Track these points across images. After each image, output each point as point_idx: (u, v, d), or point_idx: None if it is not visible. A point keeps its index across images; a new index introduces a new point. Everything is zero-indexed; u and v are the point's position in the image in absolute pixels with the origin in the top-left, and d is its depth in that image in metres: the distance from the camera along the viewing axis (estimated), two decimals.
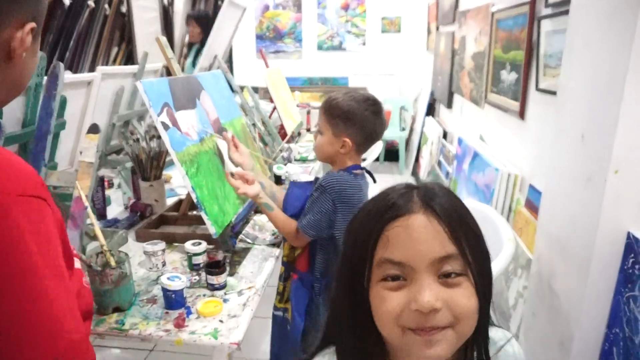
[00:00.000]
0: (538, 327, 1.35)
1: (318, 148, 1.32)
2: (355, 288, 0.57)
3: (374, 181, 1.36)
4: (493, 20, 2.26)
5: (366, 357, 0.60)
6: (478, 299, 0.55)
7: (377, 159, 2.79)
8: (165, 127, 1.17)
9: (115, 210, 1.71)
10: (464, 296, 0.53)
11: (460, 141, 2.76)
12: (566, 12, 1.32)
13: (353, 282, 0.57)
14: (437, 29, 3.98)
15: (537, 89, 1.73)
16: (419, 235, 0.54)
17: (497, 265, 1.34)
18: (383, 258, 0.55)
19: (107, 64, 4.17)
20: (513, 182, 1.91)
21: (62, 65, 1.21)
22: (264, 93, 3.54)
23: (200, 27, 3.64)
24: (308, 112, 3.23)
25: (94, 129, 1.14)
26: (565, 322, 1.17)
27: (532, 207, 1.71)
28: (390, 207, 0.56)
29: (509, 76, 2.04)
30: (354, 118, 1.25)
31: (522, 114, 1.88)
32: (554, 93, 1.54)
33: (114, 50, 4.36)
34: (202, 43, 3.43)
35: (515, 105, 1.94)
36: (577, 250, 1.13)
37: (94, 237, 1.30)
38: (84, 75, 1.72)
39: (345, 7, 5.10)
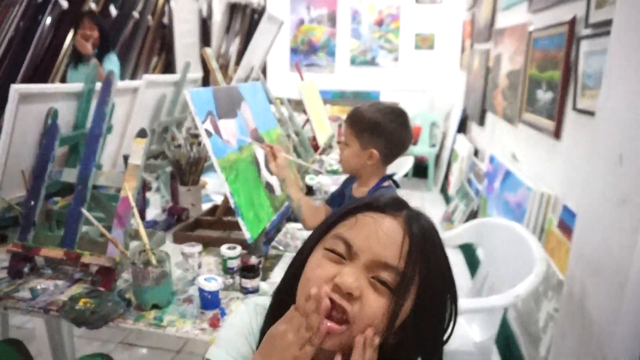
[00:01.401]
0: (568, 349, 1.32)
1: (345, 160, 1.33)
2: (309, 248, 0.62)
3: (397, 186, 1.36)
4: (530, 40, 2.26)
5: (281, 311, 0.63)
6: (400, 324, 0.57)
7: (405, 175, 2.79)
8: (209, 134, 1.22)
9: (153, 212, 1.77)
10: (378, 302, 0.55)
11: (492, 159, 2.74)
12: (607, 33, 1.32)
13: (313, 240, 0.62)
14: (472, 46, 3.98)
15: (574, 109, 1.72)
16: (382, 235, 0.57)
17: (528, 285, 1.33)
18: (340, 233, 0.59)
19: (146, 73, 4.34)
20: (546, 202, 1.89)
21: (115, 73, 1.29)
22: (295, 105, 3.62)
23: (99, 31, 2.83)
24: (340, 125, 3.27)
25: (142, 133, 1.21)
26: (597, 345, 1.15)
27: (565, 228, 1.68)
28: (376, 201, 0.61)
29: (544, 95, 2.03)
30: (381, 129, 1.26)
31: (557, 134, 1.87)
32: (591, 113, 1.53)
33: (154, 59, 4.54)
34: (101, 51, 2.84)
35: (550, 124, 1.92)
36: (612, 273, 1.12)
37: (134, 237, 1.36)
38: (131, 83, 1.81)
39: (379, 23, 5.16)
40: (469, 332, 1.55)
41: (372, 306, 0.55)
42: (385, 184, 1.32)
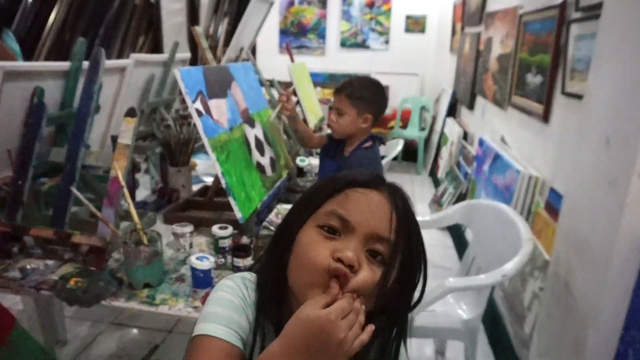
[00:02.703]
0: (553, 327, 1.36)
1: (340, 126, 1.59)
2: (294, 225, 0.63)
3: (383, 143, 1.71)
4: (521, 23, 2.26)
5: (272, 289, 0.65)
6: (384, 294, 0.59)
7: (395, 158, 2.80)
8: (199, 114, 1.21)
9: (142, 193, 1.77)
10: (372, 273, 0.58)
11: (481, 142, 2.76)
12: (596, 17, 1.32)
13: (298, 219, 0.64)
14: (462, 29, 3.96)
15: (563, 92, 1.73)
16: (374, 209, 0.60)
17: (515, 264, 1.36)
18: (334, 210, 0.61)
19: (133, 52, 4.25)
20: (534, 184, 1.92)
21: (103, 51, 1.27)
22: (285, 87, 3.60)
23: None
24: (330, 108, 3.26)
25: (131, 112, 1.19)
26: (580, 322, 1.19)
27: (552, 209, 1.71)
28: (360, 177, 0.64)
29: (534, 79, 2.04)
30: (372, 98, 1.59)
31: (546, 118, 1.89)
32: (579, 97, 1.54)
33: (140, 39, 4.45)
34: None
35: (539, 108, 1.94)
36: (596, 252, 1.15)
37: (124, 217, 1.36)
38: (119, 62, 1.78)
39: (370, 5, 5.11)
40: (457, 311, 1.59)
41: (368, 277, 0.58)
42: (368, 144, 1.62)
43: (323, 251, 0.58)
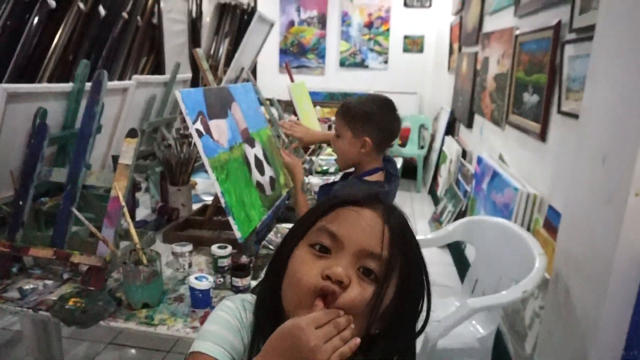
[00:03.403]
0: (553, 346, 1.35)
1: (339, 151, 1.38)
2: (289, 246, 0.63)
3: (396, 175, 1.42)
4: (517, 43, 2.30)
5: (268, 310, 0.64)
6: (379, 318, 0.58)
7: None
8: (200, 134, 1.23)
9: (142, 212, 1.77)
10: (363, 290, 0.57)
11: (479, 160, 2.78)
12: (590, 38, 1.35)
13: (293, 239, 0.63)
14: (460, 49, 4.02)
15: (559, 111, 1.76)
16: (365, 225, 0.60)
17: (533, 279, 1.35)
18: (324, 226, 0.61)
19: (135, 73, 4.31)
20: (532, 202, 1.93)
21: (105, 72, 1.29)
22: (285, 106, 3.62)
23: None
24: (329, 127, 3.29)
25: (132, 133, 1.21)
26: (581, 342, 1.18)
27: (551, 227, 1.72)
28: (353, 196, 0.64)
29: (531, 98, 2.07)
30: (372, 117, 1.31)
31: (543, 136, 1.91)
32: (575, 116, 1.56)
33: (143, 60, 4.51)
34: None
35: (536, 127, 1.96)
36: (595, 271, 1.15)
37: (124, 237, 1.36)
38: (121, 83, 1.80)
39: (369, 25, 5.20)
40: (470, 329, 1.57)
41: (358, 295, 0.57)
42: (373, 177, 1.34)
43: (311, 270, 0.58)
